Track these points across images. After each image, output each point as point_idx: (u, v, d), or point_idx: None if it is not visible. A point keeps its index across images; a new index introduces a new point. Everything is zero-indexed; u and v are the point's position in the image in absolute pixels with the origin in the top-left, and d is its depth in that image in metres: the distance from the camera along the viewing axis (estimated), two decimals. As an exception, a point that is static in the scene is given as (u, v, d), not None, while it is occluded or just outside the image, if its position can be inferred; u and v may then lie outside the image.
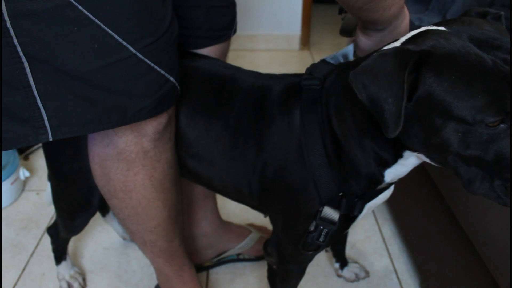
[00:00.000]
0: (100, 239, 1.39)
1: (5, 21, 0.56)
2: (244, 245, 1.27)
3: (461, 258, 0.98)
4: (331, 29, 3.25)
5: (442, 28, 0.59)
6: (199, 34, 0.94)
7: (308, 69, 0.79)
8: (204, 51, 0.96)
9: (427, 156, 0.64)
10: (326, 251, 1.32)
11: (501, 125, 0.54)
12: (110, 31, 0.62)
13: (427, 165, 0.67)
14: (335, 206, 0.75)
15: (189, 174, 0.92)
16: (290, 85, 0.80)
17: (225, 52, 1.02)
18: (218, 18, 0.94)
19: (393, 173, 0.72)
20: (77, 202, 1.00)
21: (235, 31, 1.01)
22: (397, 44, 0.63)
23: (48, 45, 0.59)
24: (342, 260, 1.23)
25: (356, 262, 1.27)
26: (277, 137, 0.77)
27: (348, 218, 0.78)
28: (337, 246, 1.21)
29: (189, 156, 0.88)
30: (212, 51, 0.97)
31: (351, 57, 0.83)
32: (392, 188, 0.83)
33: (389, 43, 0.67)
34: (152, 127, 0.77)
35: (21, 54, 0.59)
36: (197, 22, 0.92)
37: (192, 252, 1.20)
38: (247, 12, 2.84)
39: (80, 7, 0.59)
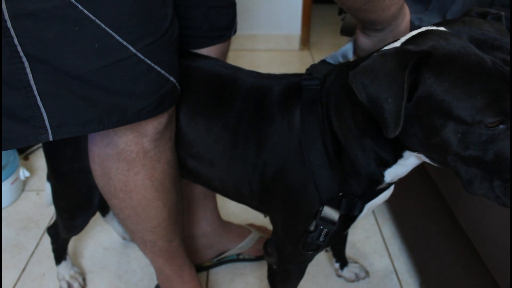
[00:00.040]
0: (100, 239, 1.39)
1: (5, 21, 0.56)
2: (244, 245, 1.27)
3: (461, 258, 0.98)
4: (331, 29, 3.25)
5: (442, 28, 0.59)
6: (199, 34, 0.94)
7: (308, 69, 0.79)
8: (204, 51, 0.96)
9: (427, 156, 0.64)
10: (326, 251, 1.32)
11: (501, 126, 0.54)
12: (110, 31, 0.62)
13: (427, 165, 0.67)
14: (335, 206, 0.75)
15: (189, 174, 0.92)
16: (290, 85, 0.80)
17: (225, 52, 1.02)
18: (218, 18, 0.94)
19: (393, 173, 0.72)
20: (77, 202, 1.00)
21: (235, 31, 1.01)
22: (397, 44, 0.63)
23: (49, 45, 0.59)
24: (342, 260, 1.23)
25: (356, 262, 1.27)
26: (277, 137, 0.77)
27: (348, 218, 0.78)
28: (337, 246, 1.22)
29: (189, 156, 0.88)
30: (212, 51, 0.97)
31: (350, 56, 0.83)
32: (392, 188, 0.83)
33: (389, 43, 0.67)
34: (152, 127, 0.77)
35: (21, 54, 0.59)
36: (197, 22, 0.92)
37: (192, 252, 1.20)
38: (247, 12, 2.84)
39: (80, 7, 0.59)
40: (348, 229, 0.89)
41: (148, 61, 0.68)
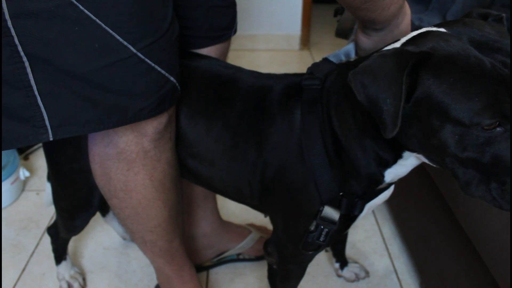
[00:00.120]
0: (100, 239, 1.39)
1: (6, 20, 0.56)
2: (244, 245, 1.27)
3: (461, 258, 0.98)
4: (331, 29, 3.23)
5: (442, 29, 0.59)
6: (199, 34, 0.94)
7: (309, 68, 0.79)
8: (204, 51, 0.96)
9: (426, 157, 0.64)
10: (326, 251, 1.32)
11: (498, 129, 0.54)
12: (110, 31, 0.62)
13: (427, 165, 0.67)
14: (335, 206, 0.75)
15: (190, 174, 0.92)
16: (290, 85, 0.80)
17: (225, 52, 1.02)
18: (218, 18, 0.94)
19: (393, 173, 0.72)
20: (77, 202, 1.00)
21: (235, 31, 1.01)
22: (397, 44, 0.63)
23: (49, 45, 0.59)
24: (342, 260, 1.23)
25: (356, 262, 1.27)
26: (277, 137, 0.77)
27: (349, 218, 0.78)
28: (337, 246, 1.22)
29: (189, 156, 0.88)
30: (212, 51, 0.97)
31: (353, 56, 0.83)
32: (392, 188, 0.83)
33: (389, 43, 0.67)
34: (152, 127, 0.77)
35: (22, 53, 0.59)
36: (197, 22, 0.92)
37: (192, 252, 1.20)
38: (247, 12, 2.84)
39: (81, 7, 0.59)
40: (348, 229, 0.89)
41: (148, 61, 0.68)
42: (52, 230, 1.15)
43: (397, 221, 1.42)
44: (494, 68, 0.53)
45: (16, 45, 0.58)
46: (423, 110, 0.57)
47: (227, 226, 1.28)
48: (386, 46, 0.68)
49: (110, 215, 1.34)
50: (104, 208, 1.32)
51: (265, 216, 0.95)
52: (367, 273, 1.25)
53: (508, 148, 0.55)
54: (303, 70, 0.81)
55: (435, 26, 0.62)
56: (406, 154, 0.67)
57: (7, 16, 0.56)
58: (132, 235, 0.94)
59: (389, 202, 1.38)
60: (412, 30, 0.67)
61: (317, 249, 0.82)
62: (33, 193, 1.59)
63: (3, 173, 1.46)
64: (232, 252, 1.27)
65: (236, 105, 0.82)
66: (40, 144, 1.69)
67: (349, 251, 1.32)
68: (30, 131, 0.64)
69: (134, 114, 0.69)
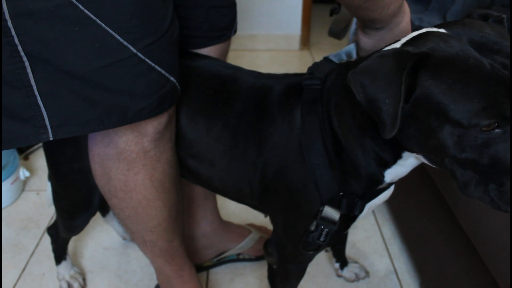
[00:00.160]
0: (100, 239, 1.39)
1: (6, 20, 0.56)
2: (244, 245, 1.27)
3: (461, 258, 0.98)
4: (331, 29, 3.25)
5: (442, 30, 0.59)
6: (199, 34, 0.94)
7: (310, 68, 0.79)
8: (204, 51, 0.96)
9: (425, 157, 0.64)
10: (326, 251, 1.32)
11: (496, 130, 0.54)
12: (111, 31, 0.62)
13: (427, 165, 0.67)
14: (335, 206, 0.75)
15: (190, 174, 0.92)
16: (290, 85, 0.80)
17: (225, 52, 1.02)
18: (218, 18, 0.94)
19: (393, 174, 0.72)
20: (77, 202, 1.00)
21: (235, 31, 1.01)
22: (397, 45, 0.63)
23: (49, 45, 0.59)
24: (342, 260, 1.23)
25: (356, 262, 1.27)
26: (277, 137, 0.77)
27: (349, 218, 0.78)
28: (337, 246, 1.22)
29: (189, 156, 0.88)
30: (212, 51, 0.97)
31: (355, 55, 0.83)
32: (392, 188, 0.83)
33: (390, 44, 0.67)
34: (152, 127, 0.77)
35: (22, 53, 0.59)
36: (197, 22, 0.92)
37: (192, 252, 1.20)
38: (247, 12, 2.84)
39: (81, 7, 0.59)
40: (348, 229, 0.89)
41: (149, 61, 0.68)
42: (52, 230, 1.15)
43: (397, 221, 1.42)
44: (493, 69, 0.53)
45: (16, 45, 0.58)
46: (422, 110, 0.57)
47: (227, 226, 1.28)
48: (386, 46, 0.68)
49: (110, 215, 1.34)
50: (104, 208, 1.32)
51: (265, 216, 0.95)
52: (367, 273, 1.25)
53: (506, 149, 0.55)
54: (303, 70, 0.81)
55: (435, 26, 0.62)
56: (406, 154, 0.67)
57: (7, 16, 0.56)
58: (132, 235, 0.94)
59: (389, 202, 1.38)
60: (412, 30, 0.67)
61: (317, 249, 0.82)
62: (33, 193, 1.59)
63: (3, 173, 1.46)
64: (232, 252, 1.27)
65: (236, 105, 0.82)
66: (40, 144, 1.69)
67: (349, 251, 1.32)
68: (30, 131, 0.64)
69: (134, 114, 0.69)
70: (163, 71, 0.71)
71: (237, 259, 1.29)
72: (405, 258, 1.32)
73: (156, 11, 0.67)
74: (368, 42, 0.78)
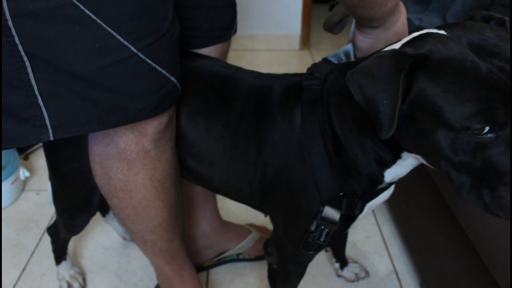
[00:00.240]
0: (100, 239, 1.39)
1: (6, 20, 0.56)
2: (244, 245, 1.27)
3: (461, 258, 0.98)
4: (331, 29, 3.25)
5: (442, 31, 0.59)
6: (199, 34, 0.94)
7: (309, 69, 0.80)
8: (204, 51, 0.96)
9: (423, 158, 0.64)
10: (326, 251, 1.32)
11: (489, 135, 0.54)
12: (111, 31, 0.62)
13: (427, 165, 0.67)
14: (335, 206, 0.75)
15: (190, 174, 0.92)
16: (290, 85, 0.80)
17: (225, 52, 1.02)
18: (218, 18, 0.94)
19: (392, 173, 0.72)
20: (77, 202, 1.00)
21: (235, 31, 1.01)
22: (397, 45, 0.63)
23: (50, 45, 0.59)
24: (342, 260, 1.23)
25: (356, 262, 1.27)
26: (277, 137, 0.77)
27: (349, 218, 0.78)
28: (337, 246, 1.22)
29: (189, 156, 0.88)
30: (212, 51, 0.97)
31: (352, 55, 0.83)
32: (392, 187, 0.83)
33: (390, 44, 0.67)
34: (153, 127, 0.77)
35: (22, 53, 0.59)
36: (197, 22, 0.92)
37: (192, 252, 1.20)
38: (247, 12, 2.84)
39: (81, 7, 0.59)
40: (348, 229, 0.90)
41: (149, 61, 0.68)
42: (52, 230, 1.15)
43: (397, 221, 1.42)
44: (490, 73, 0.53)
45: (16, 45, 0.58)
46: (417, 112, 0.57)
47: (227, 226, 1.28)
48: (384, 45, 0.68)
49: (110, 215, 1.34)
50: (104, 208, 1.32)
51: (265, 216, 0.95)
52: (367, 273, 1.25)
53: (499, 154, 0.54)
54: (303, 70, 0.81)
55: (436, 28, 0.62)
56: (405, 154, 0.68)
57: (8, 16, 0.56)
58: (132, 235, 0.94)
59: (389, 202, 1.38)
60: (412, 30, 0.67)
61: (318, 249, 0.82)
62: (33, 193, 1.59)
63: (3, 173, 1.46)
64: (232, 252, 1.27)
65: (236, 105, 0.82)
66: (40, 144, 1.69)
67: (349, 251, 1.32)
68: (30, 130, 0.64)
69: (134, 114, 0.69)
70: (163, 71, 0.71)
71: (237, 259, 1.29)
72: (405, 258, 1.32)
73: (156, 11, 0.67)
74: (364, 41, 0.78)
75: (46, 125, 0.64)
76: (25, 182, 1.62)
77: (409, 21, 1.18)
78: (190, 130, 0.85)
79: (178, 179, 0.91)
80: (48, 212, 1.48)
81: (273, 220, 0.88)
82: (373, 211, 1.49)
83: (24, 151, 1.77)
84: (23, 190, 1.59)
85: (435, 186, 1.07)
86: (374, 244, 1.38)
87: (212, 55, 0.96)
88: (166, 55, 0.71)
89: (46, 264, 1.28)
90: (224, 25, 0.96)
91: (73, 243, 1.35)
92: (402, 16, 0.75)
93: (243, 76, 0.86)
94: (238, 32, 1.04)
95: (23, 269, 1.27)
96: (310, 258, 0.90)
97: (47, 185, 1.06)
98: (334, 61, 0.81)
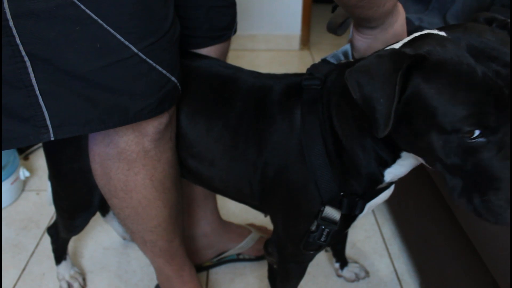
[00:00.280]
0: (100, 239, 1.39)
1: (7, 20, 0.56)
2: (244, 245, 1.27)
3: (461, 258, 0.98)
4: (331, 29, 3.25)
5: (442, 33, 0.59)
6: (199, 34, 0.94)
7: (308, 69, 0.80)
8: (204, 51, 0.96)
9: (422, 158, 0.64)
10: (326, 251, 1.32)
11: (480, 139, 0.54)
12: (112, 31, 0.62)
13: (426, 165, 0.67)
14: (336, 205, 0.75)
15: (190, 174, 0.92)
16: (290, 85, 0.80)
17: (225, 52, 1.02)
18: (218, 18, 0.94)
19: (392, 173, 0.72)
20: (77, 202, 1.00)
21: (235, 31, 1.01)
22: (397, 45, 0.63)
23: (50, 44, 0.59)
24: (342, 260, 1.23)
25: (356, 262, 1.27)
26: (277, 137, 0.77)
27: (349, 218, 0.79)
28: (337, 246, 1.22)
29: (189, 156, 0.88)
30: (212, 51, 0.97)
31: (351, 55, 0.83)
32: (392, 187, 0.84)
33: (391, 44, 0.67)
34: (153, 127, 0.77)
35: (23, 53, 0.59)
36: (197, 22, 0.92)
37: (192, 252, 1.20)
38: (247, 12, 2.84)
39: (82, 7, 0.59)
40: (348, 229, 0.90)
41: (150, 61, 0.68)
42: (52, 230, 1.15)
43: (397, 221, 1.42)
44: (485, 77, 0.53)
45: (17, 45, 0.58)
46: (412, 111, 0.58)
47: (227, 226, 1.28)
48: (385, 47, 0.68)
49: (110, 215, 1.34)
50: (104, 208, 1.32)
51: (265, 216, 0.95)
52: (367, 273, 1.25)
53: (489, 159, 0.54)
54: (303, 70, 0.81)
55: (438, 29, 0.62)
56: (405, 154, 0.68)
57: (8, 16, 0.56)
58: (132, 235, 0.94)
59: (389, 202, 1.38)
60: (412, 30, 0.67)
61: (318, 249, 0.82)
62: (33, 193, 1.59)
63: (3, 173, 1.46)
64: (232, 252, 1.27)
65: (236, 105, 0.82)
66: (40, 144, 1.69)
67: (349, 251, 1.32)
68: (31, 130, 0.64)
69: (135, 114, 0.69)
70: (164, 71, 0.71)
71: (237, 259, 1.29)
72: (405, 258, 1.32)
73: (157, 11, 0.67)
74: (362, 41, 0.78)
75: (46, 125, 0.64)
76: (25, 182, 1.62)
77: (409, 21, 1.18)
78: (190, 130, 0.85)
79: (178, 179, 0.91)
80: (48, 212, 1.48)
81: (273, 220, 0.88)
82: (373, 211, 1.50)
83: (24, 151, 1.77)
84: (23, 190, 1.60)
85: (435, 186, 1.07)
86: (374, 244, 1.38)
87: (212, 55, 0.96)
88: (166, 55, 0.71)
89: (46, 264, 1.28)
90: (224, 25, 0.96)
91: (73, 243, 1.35)
92: (400, 18, 0.76)
93: (243, 76, 0.86)
94: (238, 32, 1.04)
95: (23, 269, 1.27)
96: (310, 258, 0.90)
97: (47, 185, 1.06)
98: (333, 61, 0.81)
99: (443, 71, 0.55)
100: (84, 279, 1.24)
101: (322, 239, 0.76)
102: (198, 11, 0.91)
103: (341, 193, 0.74)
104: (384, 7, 0.69)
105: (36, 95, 0.62)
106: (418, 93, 0.56)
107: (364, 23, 0.74)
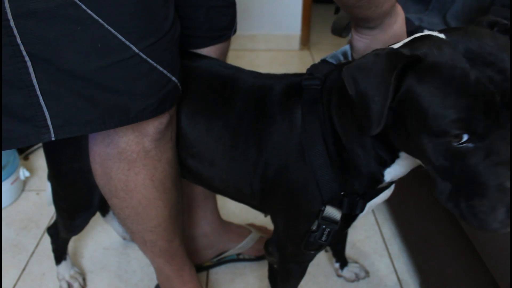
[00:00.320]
0: (100, 239, 1.39)
1: (8, 20, 0.56)
2: (244, 245, 1.27)
3: (461, 258, 0.98)
4: (331, 29, 3.25)
5: (442, 35, 0.60)
6: (199, 34, 0.94)
7: (308, 69, 0.80)
8: (204, 51, 0.96)
9: (418, 159, 0.65)
10: (326, 251, 1.32)
11: (468, 144, 0.54)
12: (113, 31, 0.62)
13: (425, 165, 0.67)
14: (337, 205, 0.75)
15: (190, 174, 0.92)
16: (290, 85, 0.80)
17: (225, 52, 1.02)
18: (218, 18, 0.94)
19: (392, 173, 0.72)
20: (77, 202, 1.00)
21: (235, 31, 1.01)
22: (397, 45, 0.63)
23: (51, 44, 0.59)
24: (342, 260, 1.23)
25: (356, 262, 1.27)
26: (278, 137, 0.77)
27: (349, 217, 0.79)
28: (337, 245, 1.22)
29: (190, 156, 0.88)
30: (212, 51, 0.97)
31: (350, 55, 0.83)
32: (392, 187, 0.84)
33: (391, 44, 0.68)
34: (153, 127, 0.77)
35: (24, 53, 0.59)
36: (197, 22, 0.92)
37: (192, 252, 1.20)
38: (247, 12, 2.84)
39: (83, 6, 0.59)
40: (348, 228, 0.90)
41: (150, 61, 0.68)
42: (52, 230, 1.15)
43: (397, 221, 1.42)
44: (477, 83, 0.53)
45: (18, 45, 0.58)
46: (405, 112, 0.58)
47: (227, 226, 1.28)
48: (381, 46, 0.68)
49: (110, 215, 1.34)
50: (104, 208, 1.32)
51: (265, 216, 0.95)
52: (367, 273, 1.25)
53: (475, 165, 0.54)
54: (303, 70, 0.81)
55: (439, 31, 0.62)
56: (403, 154, 0.68)
57: (9, 16, 0.56)
58: (132, 235, 0.94)
59: (389, 202, 1.38)
60: (412, 30, 0.67)
61: (318, 249, 0.82)
62: (33, 193, 1.59)
63: (3, 173, 1.46)
64: (232, 252, 1.27)
65: (236, 105, 0.82)
66: (40, 144, 1.69)
67: (349, 251, 1.32)
68: (31, 131, 0.63)
69: (135, 114, 0.69)
70: (164, 71, 0.71)
71: (237, 259, 1.29)
72: (405, 258, 1.32)
73: (157, 11, 0.67)
74: (361, 41, 0.78)
75: (47, 125, 0.64)
76: (25, 182, 1.62)
77: (409, 21, 1.18)
78: (190, 130, 0.85)
79: (178, 179, 0.91)
80: (48, 212, 1.48)
81: (273, 220, 0.88)
82: (373, 211, 1.50)
83: (24, 151, 1.77)
84: (23, 190, 1.60)
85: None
86: (374, 244, 1.38)
87: (212, 55, 0.96)
88: (167, 55, 0.71)
89: (46, 264, 1.28)
90: (224, 25, 0.96)
91: (73, 243, 1.35)
92: (399, 18, 0.76)
93: (243, 76, 0.86)
94: (238, 32, 1.04)
95: (23, 269, 1.27)
96: (310, 258, 0.90)
97: (47, 185, 1.06)
98: (333, 62, 0.81)
99: (436, 74, 0.55)
100: (84, 279, 1.24)
101: (323, 238, 0.76)
102: (198, 11, 0.91)
103: (342, 193, 0.75)
104: (382, 8, 0.69)
105: (36, 95, 0.62)
106: (411, 93, 0.57)
107: (362, 23, 0.74)
